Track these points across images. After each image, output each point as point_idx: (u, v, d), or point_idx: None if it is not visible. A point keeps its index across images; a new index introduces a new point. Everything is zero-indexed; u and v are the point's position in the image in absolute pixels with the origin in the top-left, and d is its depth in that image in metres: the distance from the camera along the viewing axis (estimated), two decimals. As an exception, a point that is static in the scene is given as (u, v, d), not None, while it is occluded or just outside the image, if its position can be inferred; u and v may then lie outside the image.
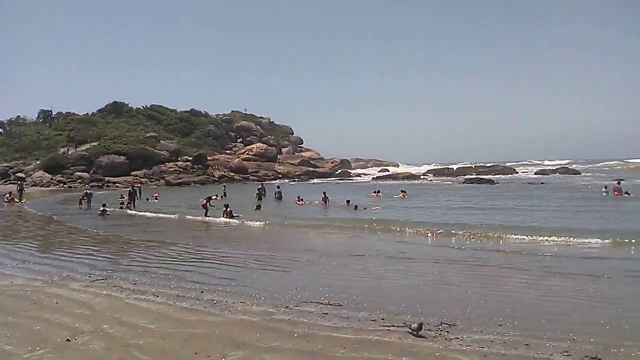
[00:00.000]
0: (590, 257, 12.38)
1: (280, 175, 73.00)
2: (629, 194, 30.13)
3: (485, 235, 15.81)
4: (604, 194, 31.02)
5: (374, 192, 35.67)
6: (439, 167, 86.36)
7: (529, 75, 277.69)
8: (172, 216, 25.53)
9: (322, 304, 8.24)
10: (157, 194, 37.80)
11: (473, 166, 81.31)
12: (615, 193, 30.54)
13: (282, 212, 26.74)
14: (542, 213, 22.77)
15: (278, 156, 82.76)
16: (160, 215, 26.24)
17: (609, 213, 22.17)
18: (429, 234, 16.64)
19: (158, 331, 6.98)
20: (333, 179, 74.21)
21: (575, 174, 68.19)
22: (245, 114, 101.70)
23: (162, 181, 60.80)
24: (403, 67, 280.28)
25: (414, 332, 6.52)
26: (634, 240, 14.03)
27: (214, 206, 26.36)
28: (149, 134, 73.02)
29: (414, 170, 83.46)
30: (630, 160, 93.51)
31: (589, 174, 68.53)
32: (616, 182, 34.17)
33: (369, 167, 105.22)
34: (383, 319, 7.31)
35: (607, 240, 14.18)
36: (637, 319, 7.15)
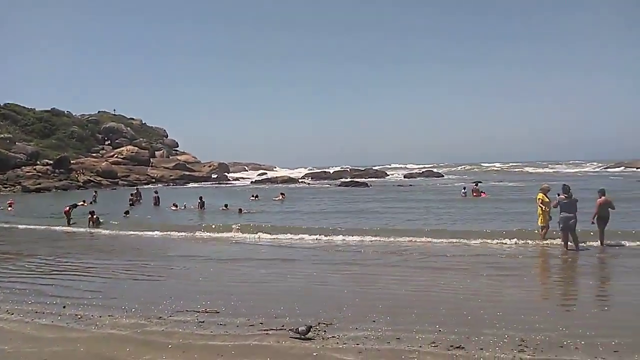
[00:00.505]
0: (455, 254, 13.35)
1: (154, 180, 69.81)
2: (484, 194, 33.36)
3: (361, 237, 16.35)
4: (463, 194, 33.79)
5: (252, 196, 35.45)
6: (317, 170, 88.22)
7: (398, 85, 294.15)
8: (31, 226, 23.19)
9: (198, 312, 7.97)
10: (10, 201, 34.16)
11: (348, 169, 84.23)
12: (474, 194, 33.43)
13: (158, 218, 25.56)
14: (411, 214, 24.17)
15: (151, 160, 79.07)
16: (17, 225, 23.71)
17: (468, 213, 24.12)
18: (309, 237, 16.85)
19: (13, 352, 6.29)
20: (210, 183, 72.64)
21: (439, 176, 73.65)
22: (115, 114, 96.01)
23: (18, 187, 55.14)
24: (281, 72, 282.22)
25: (302, 335, 6.50)
26: (490, 240, 15.39)
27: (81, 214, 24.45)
28: (2, 135, 66.02)
29: (292, 173, 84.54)
30: (483, 164, 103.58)
31: (451, 176, 74.58)
32: (474, 183, 37.35)
33: (247, 171, 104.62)
34: (262, 323, 7.24)
35: (464, 240, 15.30)
36: (494, 309, 7.79)
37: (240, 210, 26.46)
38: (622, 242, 14.07)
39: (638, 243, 13.93)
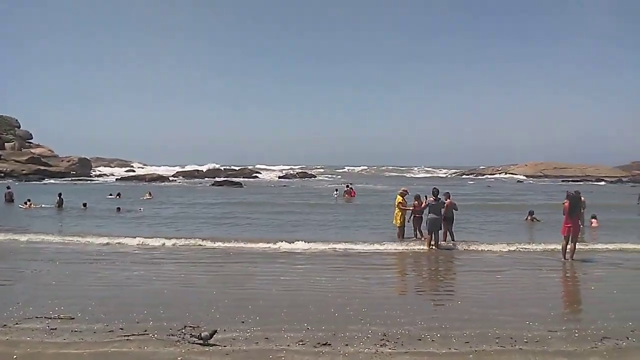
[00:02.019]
0: (326, 254, 13.67)
1: (3, 174, 62.90)
2: (353, 193, 35.25)
3: (230, 240, 16.08)
4: (335, 195, 34.92)
5: (112, 195, 33.10)
6: (189, 169, 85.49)
7: (274, 82, 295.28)
8: None
9: (50, 318, 7.26)
10: None
11: (222, 169, 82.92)
12: (345, 195, 34.72)
13: (8, 217, 22.98)
14: (288, 215, 24.39)
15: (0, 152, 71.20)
16: None
17: (340, 214, 24.93)
18: (176, 242, 16.19)
19: None
20: (70, 179, 67.06)
21: (312, 177, 75.48)
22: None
23: None
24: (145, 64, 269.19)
25: (205, 341, 6.13)
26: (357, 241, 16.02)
27: None
28: None
29: (162, 171, 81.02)
30: (355, 168, 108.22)
31: (323, 177, 76.82)
32: (346, 185, 38.72)
33: (112, 167, 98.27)
34: (122, 329, 6.78)
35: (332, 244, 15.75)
36: (360, 306, 8.08)
37: (118, 209, 24.89)
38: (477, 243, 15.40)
39: (489, 246, 15.28)
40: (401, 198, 16.33)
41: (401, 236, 16.10)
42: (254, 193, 40.24)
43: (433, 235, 14.43)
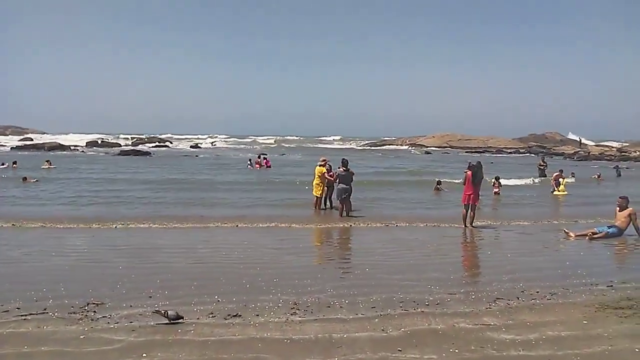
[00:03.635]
0: (240, 226, 13.58)
1: None
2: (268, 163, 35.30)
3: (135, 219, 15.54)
4: (249, 167, 34.67)
5: (3, 164, 30.49)
6: (96, 137, 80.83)
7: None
8: None
9: None
10: None
11: (130, 137, 79.40)
12: (257, 166, 34.59)
13: None
14: (198, 186, 23.87)
15: None
16: None
17: (254, 184, 24.79)
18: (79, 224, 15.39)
19: None
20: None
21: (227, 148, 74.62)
22: None
23: None
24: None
25: (170, 320, 5.86)
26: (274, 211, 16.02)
27: None
28: None
29: (64, 140, 75.96)
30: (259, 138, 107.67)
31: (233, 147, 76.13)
32: (257, 156, 38.44)
33: (7, 135, 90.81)
34: (19, 308, 6.38)
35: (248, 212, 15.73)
36: (272, 276, 8.14)
37: (24, 178, 23.12)
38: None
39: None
40: (323, 169, 16.44)
41: (317, 207, 16.32)
42: (160, 165, 38.89)
43: (344, 204, 14.77)
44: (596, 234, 12.04)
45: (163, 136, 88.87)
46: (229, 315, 6.22)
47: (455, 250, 11.24)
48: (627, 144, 68.66)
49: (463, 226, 13.47)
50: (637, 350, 5.22)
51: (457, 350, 5.18)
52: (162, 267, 8.86)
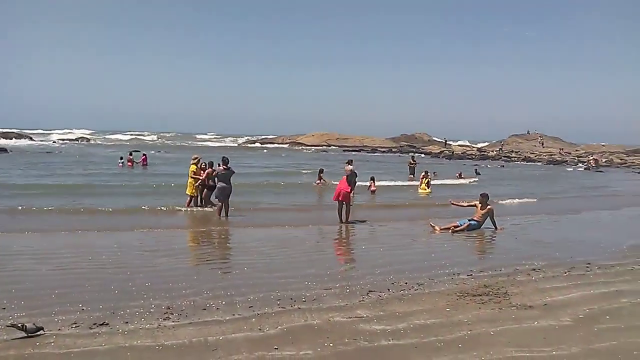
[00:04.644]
0: (109, 227, 12.74)
1: None
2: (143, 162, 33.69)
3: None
4: (120, 164, 32.77)
5: None
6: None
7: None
8: None
9: None
10: None
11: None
12: (129, 164, 32.87)
13: None
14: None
15: None
16: None
17: (127, 184, 23.47)
18: None
19: None
20: None
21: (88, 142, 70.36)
22: None
23: None
24: None
25: (28, 333, 5.22)
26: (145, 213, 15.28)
27: None
28: None
29: None
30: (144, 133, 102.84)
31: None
32: (129, 153, 36.41)
33: None
34: None
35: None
36: (143, 280, 7.74)
37: None
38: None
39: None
40: (195, 167, 16.01)
41: (190, 205, 15.86)
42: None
43: (223, 204, 14.50)
44: (458, 227, 13.04)
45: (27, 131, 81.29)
46: (94, 324, 5.80)
47: (332, 246, 11.56)
48: (487, 144, 75.64)
49: (339, 222, 13.87)
50: (492, 333, 5.70)
51: (331, 344, 5.30)
52: (18, 275, 8.04)
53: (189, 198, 15.93)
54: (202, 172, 15.94)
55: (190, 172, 15.99)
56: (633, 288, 7.67)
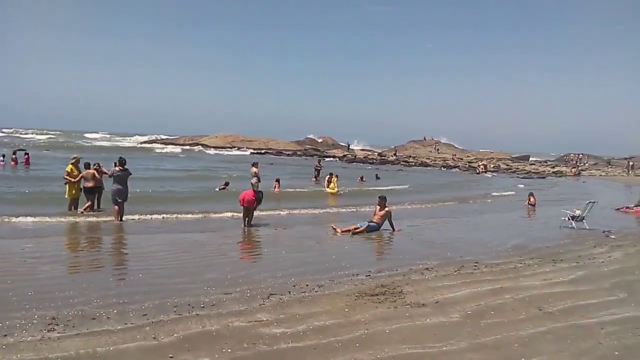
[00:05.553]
0: None
1: None
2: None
3: None
4: (1, 163, 30.26)
5: None
6: None
7: None
8: None
9: None
10: None
11: None
12: (12, 163, 30.50)
13: None
14: None
15: None
16: None
17: (8, 185, 21.63)
18: None
19: None
20: None
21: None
22: None
23: None
24: None
25: None
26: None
27: None
28: None
29: None
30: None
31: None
32: (13, 152, 33.72)
33: None
34: None
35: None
36: (26, 289, 7.18)
37: None
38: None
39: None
40: (72, 166, 15.13)
41: (72, 208, 14.92)
42: None
43: (119, 207, 13.79)
44: (358, 228, 13.38)
45: None
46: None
47: (234, 250, 11.38)
48: (387, 149, 78.60)
49: (242, 225, 13.72)
50: (387, 331, 5.90)
51: (230, 350, 5.21)
52: None
53: (70, 201, 14.99)
54: (95, 172, 15.10)
55: (65, 172, 15.10)
56: (515, 285, 8.29)
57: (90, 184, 14.89)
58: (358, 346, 5.43)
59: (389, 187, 27.19)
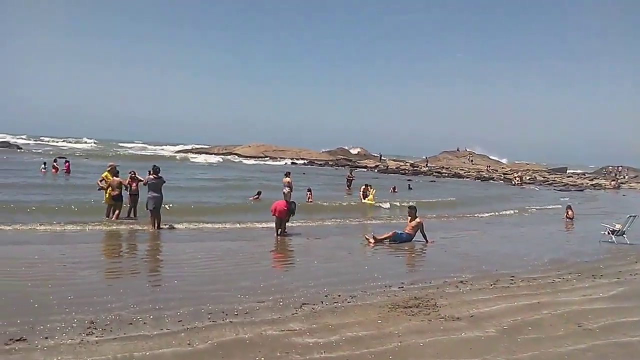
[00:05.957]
0: (28, 237, 12.02)
1: None
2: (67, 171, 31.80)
3: None
4: (43, 170, 31.20)
5: None
6: None
7: None
8: None
9: None
10: None
11: None
12: (53, 171, 31.31)
13: None
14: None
15: None
16: None
17: (52, 191, 22.29)
18: None
19: None
20: None
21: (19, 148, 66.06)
22: None
23: None
24: None
25: None
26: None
27: None
28: None
29: None
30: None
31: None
32: (54, 160, 34.59)
33: None
34: None
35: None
36: (65, 293, 7.35)
37: None
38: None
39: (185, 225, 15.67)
40: (107, 174, 15.66)
41: (110, 215, 15.27)
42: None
43: (154, 215, 14.05)
44: (390, 239, 13.30)
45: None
46: (10, 340, 5.44)
47: (266, 258, 11.44)
48: (420, 160, 77.98)
49: (275, 234, 13.81)
50: (421, 344, 5.82)
51: (263, 358, 5.23)
52: None
53: (107, 207, 15.41)
54: (131, 181, 15.54)
55: (99, 178, 15.71)
56: (553, 300, 8.07)
57: (115, 192, 15.25)
58: (392, 358, 5.38)
59: (435, 200, 26.94)
